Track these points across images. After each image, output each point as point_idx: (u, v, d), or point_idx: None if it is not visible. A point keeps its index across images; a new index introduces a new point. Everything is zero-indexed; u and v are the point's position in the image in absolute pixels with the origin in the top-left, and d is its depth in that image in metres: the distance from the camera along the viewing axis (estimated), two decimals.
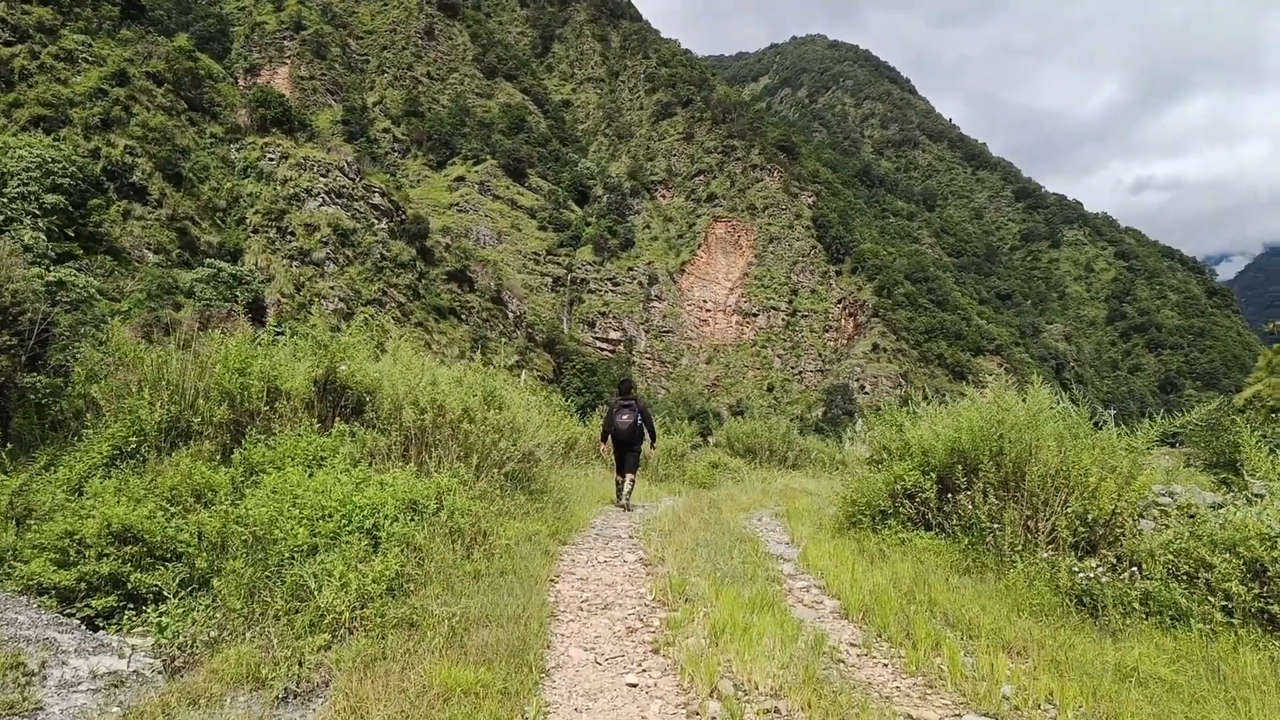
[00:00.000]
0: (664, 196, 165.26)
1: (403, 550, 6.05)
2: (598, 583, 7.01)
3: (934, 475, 8.22)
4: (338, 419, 8.10)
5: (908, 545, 7.88)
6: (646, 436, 12.58)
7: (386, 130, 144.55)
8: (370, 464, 7.58)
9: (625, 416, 12.29)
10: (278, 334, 9.73)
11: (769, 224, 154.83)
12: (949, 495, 8.08)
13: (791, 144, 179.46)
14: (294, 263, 72.85)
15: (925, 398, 10.27)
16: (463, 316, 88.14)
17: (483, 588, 6.03)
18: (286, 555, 5.70)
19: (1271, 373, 58.67)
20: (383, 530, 6.14)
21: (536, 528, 7.99)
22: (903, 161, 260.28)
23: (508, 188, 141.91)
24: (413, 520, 6.47)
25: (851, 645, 5.71)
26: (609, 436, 12.55)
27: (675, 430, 19.34)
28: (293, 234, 75.40)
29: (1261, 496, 7.14)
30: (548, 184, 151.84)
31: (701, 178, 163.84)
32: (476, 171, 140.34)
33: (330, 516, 6.13)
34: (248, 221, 74.32)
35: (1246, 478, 7.89)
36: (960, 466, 7.94)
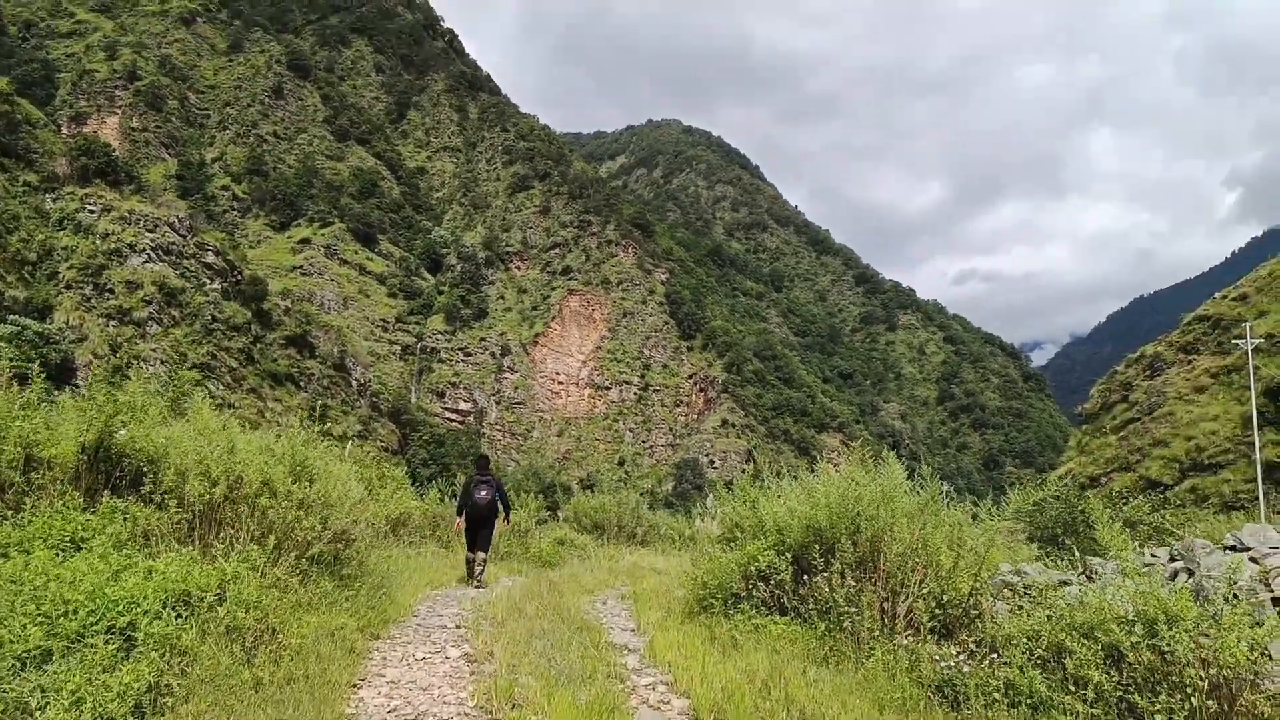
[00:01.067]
0: (519, 268, 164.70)
1: (163, 655, 4.93)
2: (411, 686, 5.99)
3: (789, 555, 7.71)
4: (108, 493, 6.81)
5: (762, 632, 7.25)
6: (501, 512, 12.63)
7: (226, 188, 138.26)
8: (144, 547, 6.40)
9: (484, 493, 12.23)
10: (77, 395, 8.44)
11: (623, 298, 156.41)
12: (805, 577, 7.56)
13: (646, 221, 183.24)
14: (111, 322, 67.17)
15: (777, 473, 9.68)
16: (301, 384, 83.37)
17: (263, 700, 4.96)
18: (11, 663, 4.51)
19: (1081, 452, 62.45)
20: (140, 630, 4.97)
21: (341, 621, 6.88)
22: (752, 243, 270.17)
23: (356, 252, 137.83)
24: (181, 617, 5.32)
25: None
26: (463, 512, 12.38)
27: (521, 504, 18.09)
28: (111, 291, 69.63)
29: (1098, 575, 6.95)
30: (399, 250, 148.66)
31: (557, 250, 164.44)
32: (323, 234, 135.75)
33: (75, 613, 4.93)
34: (60, 276, 68.20)
35: (1076, 552, 7.87)
36: (817, 546, 7.47)
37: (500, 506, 12.59)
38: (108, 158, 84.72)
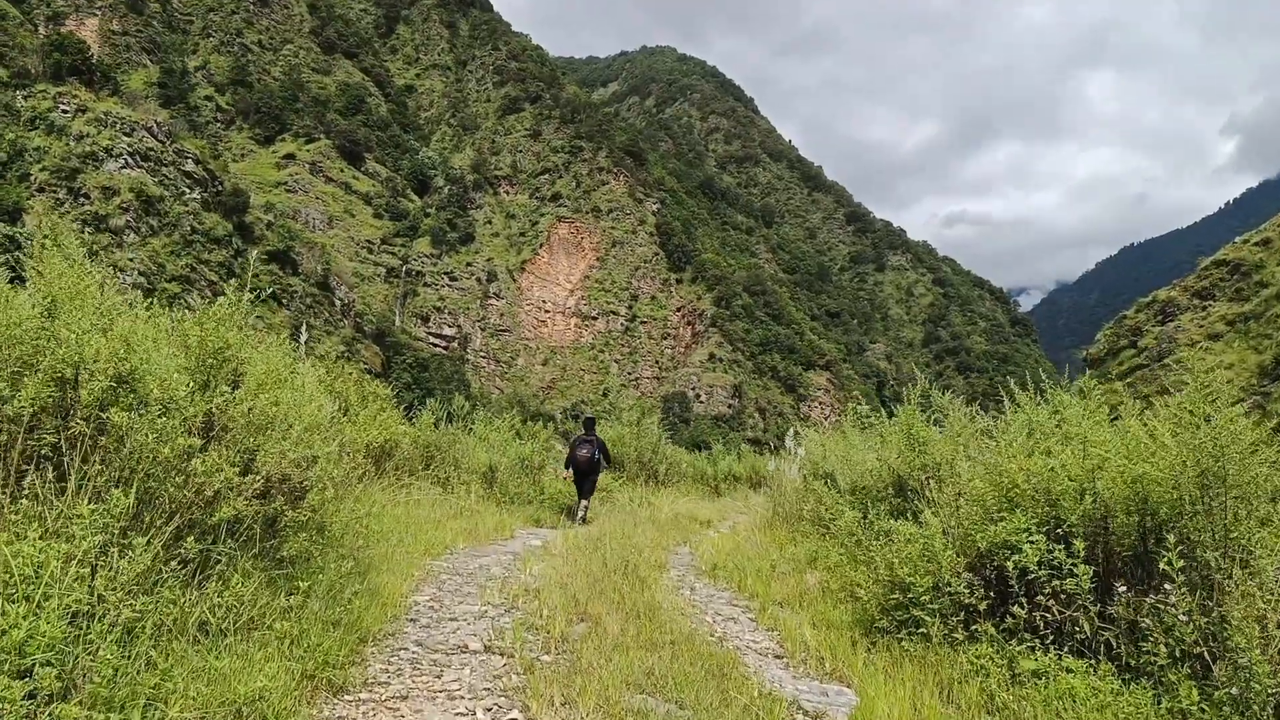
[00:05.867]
0: (507, 192, 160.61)
1: None
2: None
3: (1079, 545, 4.25)
4: None
5: (1045, 688, 3.98)
6: (603, 464, 14.36)
7: (209, 98, 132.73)
8: None
9: (584, 451, 13.82)
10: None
11: (613, 228, 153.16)
12: (1118, 586, 4.24)
13: (639, 149, 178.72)
14: (86, 229, 64.40)
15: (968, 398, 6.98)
16: (284, 301, 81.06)
17: None
18: None
19: (1083, 398, 62.35)
20: None
21: (261, 681, 3.17)
22: (744, 177, 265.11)
23: (342, 170, 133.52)
24: None
25: None
26: (570, 466, 14.07)
27: (526, 434, 16.20)
28: (86, 196, 66.79)
29: None
30: (386, 170, 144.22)
31: (547, 176, 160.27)
32: (308, 150, 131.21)
33: None
34: (32, 178, 65.37)
35: None
36: (1153, 532, 4.11)
37: (602, 460, 14.22)
38: (82, 55, 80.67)
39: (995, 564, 4.67)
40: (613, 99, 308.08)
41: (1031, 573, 4.41)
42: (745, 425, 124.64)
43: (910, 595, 4.97)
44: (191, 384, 4.12)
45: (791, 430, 11.89)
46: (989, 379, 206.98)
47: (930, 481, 6.33)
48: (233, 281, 5.32)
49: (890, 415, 8.07)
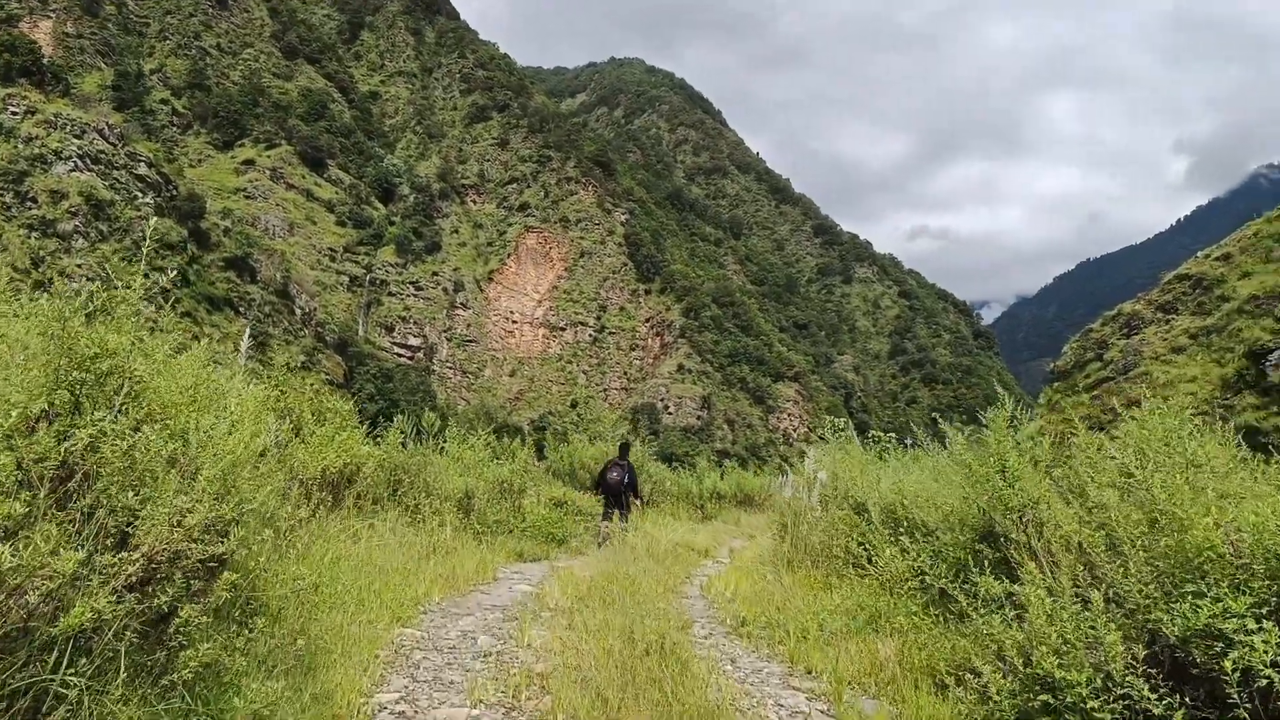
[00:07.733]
0: (475, 201, 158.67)
1: None
2: None
3: None
4: None
5: None
6: (631, 496, 14.30)
7: (165, 102, 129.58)
8: None
9: (614, 475, 14.08)
10: None
11: (581, 238, 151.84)
12: None
13: (608, 159, 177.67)
14: (33, 234, 61.87)
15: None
16: (241, 309, 78.61)
17: None
18: None
19: (1052, 409, 61.89)
20: None
21: None
22: (712, 189, 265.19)
23: (304, 177, 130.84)
24: None
25: None
26: (600, 488, 14.48)
27: (503, 453, 14.68)
28: (34, 200, 64.21)
29: None
30: (349, 177, 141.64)
31: (515, 185, 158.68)
32: (269, 156, 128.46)
33: None
34: None
35: None
36: None
37: (631, 486, 14.20)
38: (33, 56, 77.93)
39: (1189, 658, 3.33)
40: (581, 109, 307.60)
41: (1259, 675, 3.05)
42: (714, 437, 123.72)
43: (1066, 698, 3.50)
44: (46, 407, 2.68)
45: (811, 450, 10.57)
46: (953, 391, 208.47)
47: (1029, 527, 4.96)
48: (133, 268, 3.83)
49: (860, 430, 7.03)
